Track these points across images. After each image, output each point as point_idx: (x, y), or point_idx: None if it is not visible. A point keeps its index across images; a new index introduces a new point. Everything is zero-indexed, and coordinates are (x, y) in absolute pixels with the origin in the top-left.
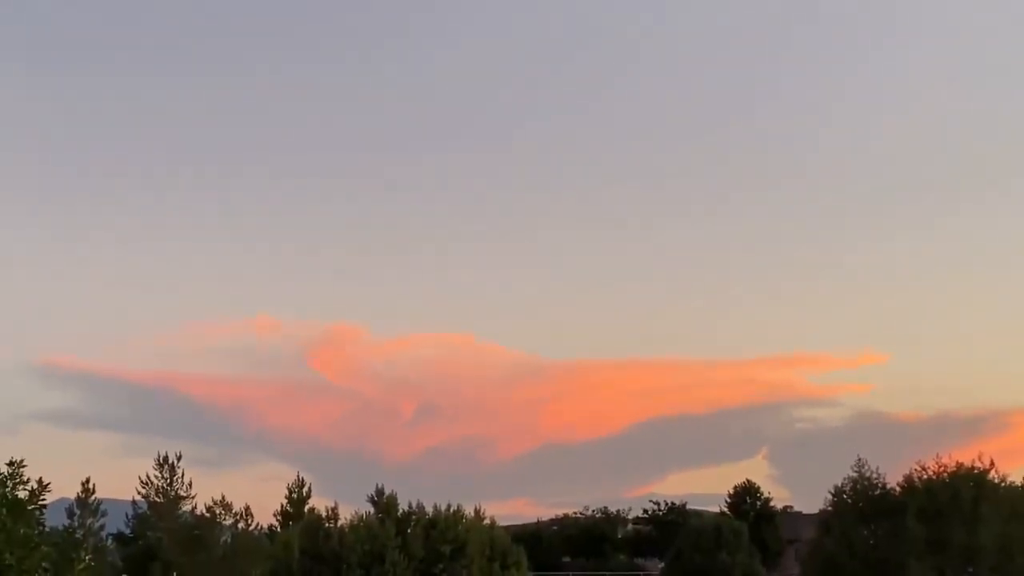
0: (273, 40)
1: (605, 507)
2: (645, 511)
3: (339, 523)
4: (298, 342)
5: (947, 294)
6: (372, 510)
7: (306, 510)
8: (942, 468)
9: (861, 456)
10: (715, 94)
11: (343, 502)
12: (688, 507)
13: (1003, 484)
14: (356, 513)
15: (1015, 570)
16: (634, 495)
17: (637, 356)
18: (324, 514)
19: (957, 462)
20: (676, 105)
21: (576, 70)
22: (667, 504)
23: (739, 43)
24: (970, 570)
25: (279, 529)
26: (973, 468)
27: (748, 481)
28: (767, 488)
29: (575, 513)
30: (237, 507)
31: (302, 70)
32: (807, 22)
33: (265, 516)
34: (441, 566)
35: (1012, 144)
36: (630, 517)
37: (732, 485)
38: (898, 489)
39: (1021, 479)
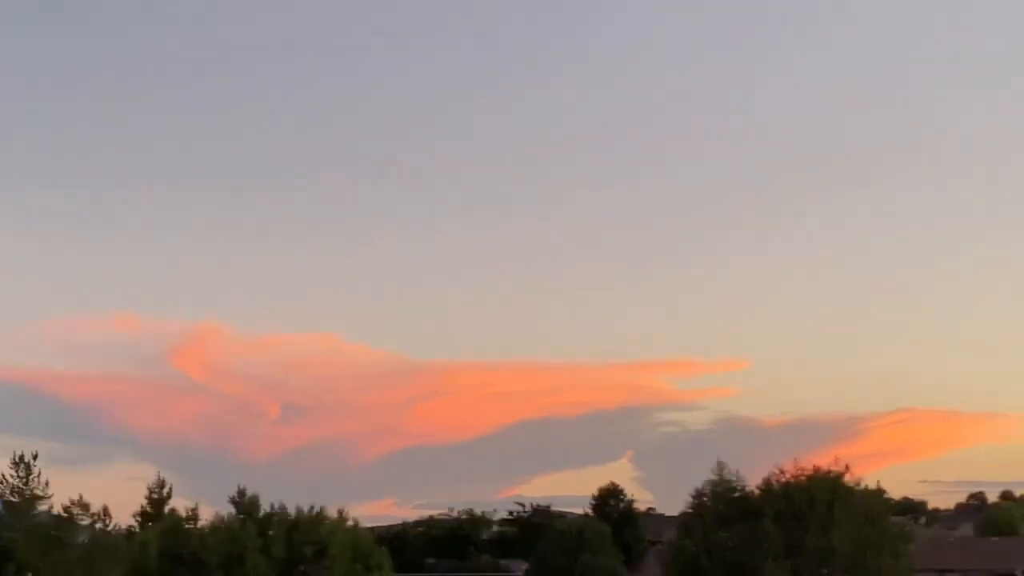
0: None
1: (471, 509)
2: (510, 513)
3: (199, 524)
4: (161, 340)
5: (809, 301)
6: (234, 511)
7: (166, 511)
8: (800, 471)
9: (721, 459)
10: (594, 94)
11: (205, 503)
12: (553, 509)
13: (858, 488)
14: (217, 514)
15: (866, 572)
16: (500, 497)
17: (505, 358)
18: (184, 515)
19: (814, 466)
20: (541, 101)
21: (444, 64)
22: (532, 506)
23: (596, 38)
24: (824, 572)
25: (138, 530)
26: (829, 472)
27: (612, 483)
28: (631, 491)
29: (440, 514)
30: (96, 507)
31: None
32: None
33: (125, 517)
34: (303, 567)
35: (872, 145)
36: (495, 519)
37: (597, 487)
38: (757, 492)
39: (876, 483)
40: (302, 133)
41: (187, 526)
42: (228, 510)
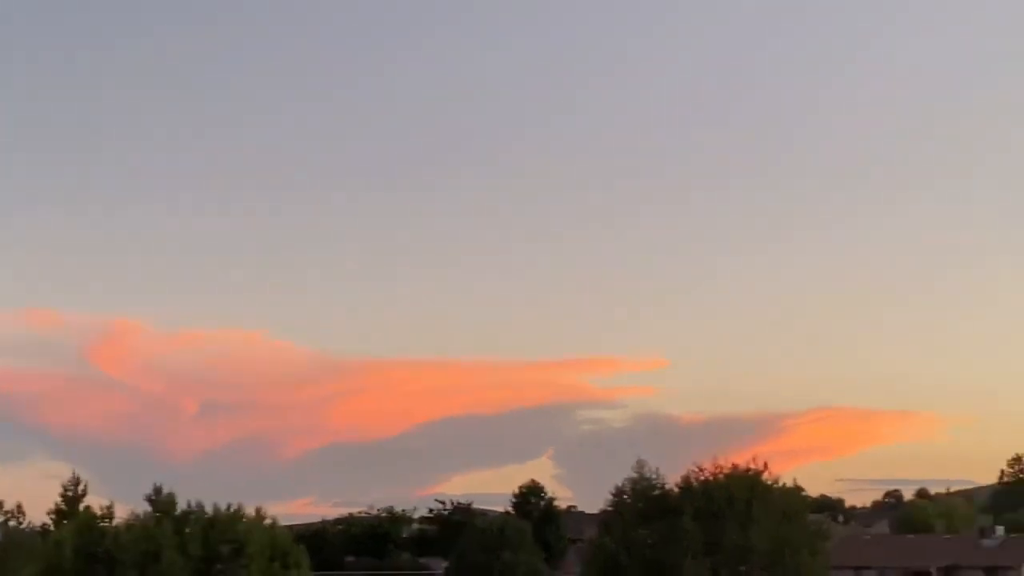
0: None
1: (390, 507)
2: (431, 511)
3: (115, 522)
4: (77, 335)
5: (727, 301)
6: (150, 509)
7: (81, 509)
8: (718, 470)
9: (641, 457)
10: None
11: (121, 501)
12: (474, 507)
13: (776, 486)
14: (133, 512)
15: (784, 570)
16: (421, 495)
17: (427, 356)
18: (100, 513)
19: (732, 464)
20: (485, 99)
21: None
22: (453, 504)
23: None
24: (743, 569)
25: (53, 528)
26: (747, 470)
27: (533, 481)
28: (552, 488)
29: (360, 512)
30: (9, 505)
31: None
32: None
33: (39, 514)
34: (220, 566)
35: (774, 144)
36: (416, 517)
37: (518, 485)
38: (676, 490)
39: (793, 481)
40: (226, 130)
41: (102, 524)
42: (144, 508)
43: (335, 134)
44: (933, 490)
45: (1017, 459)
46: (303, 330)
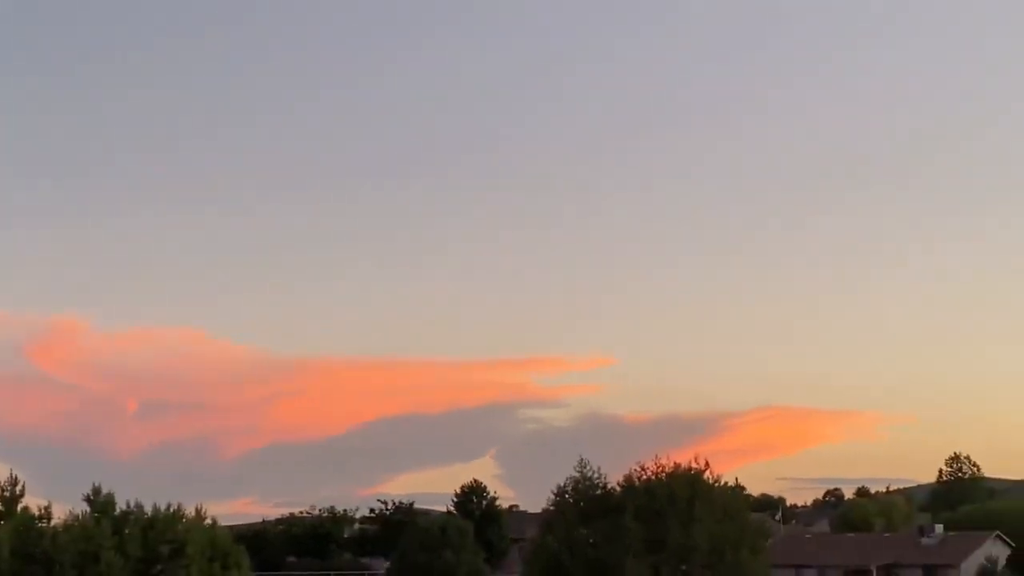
0: None
1: (332, 507)
2: (372, 511)
3: (53, 522)
4: (15, 333)
5: (675, 301)
6: (88, 509)
7: (18, 509)
8: (660, 468)
9: (583, 456)
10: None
11: (59, 501)
12: (416, 506)
13: (717, 484)
14: (71, 512)
15: (725, 568)
16: (363, 495)
17: (368, 355)
18: (37, 513)
19: (675, 463)
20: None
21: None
22: (395, 503)
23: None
24: (684, 568)
25: None
26: (689, 469)
27: (475, 481)
28: (494, 488)
29: (301, 512)
30: None
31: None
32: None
33: None
34: (160, 566)
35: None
36: (358, 516)
37: (460, 485)
38: (618, 489)
39: (735, 479)
40: (170, 130)
41: (40, 524)
42: (83, 508)
43: (281, 132)
44: (873, 489)
45: (955, 458)
46: (241, 327)
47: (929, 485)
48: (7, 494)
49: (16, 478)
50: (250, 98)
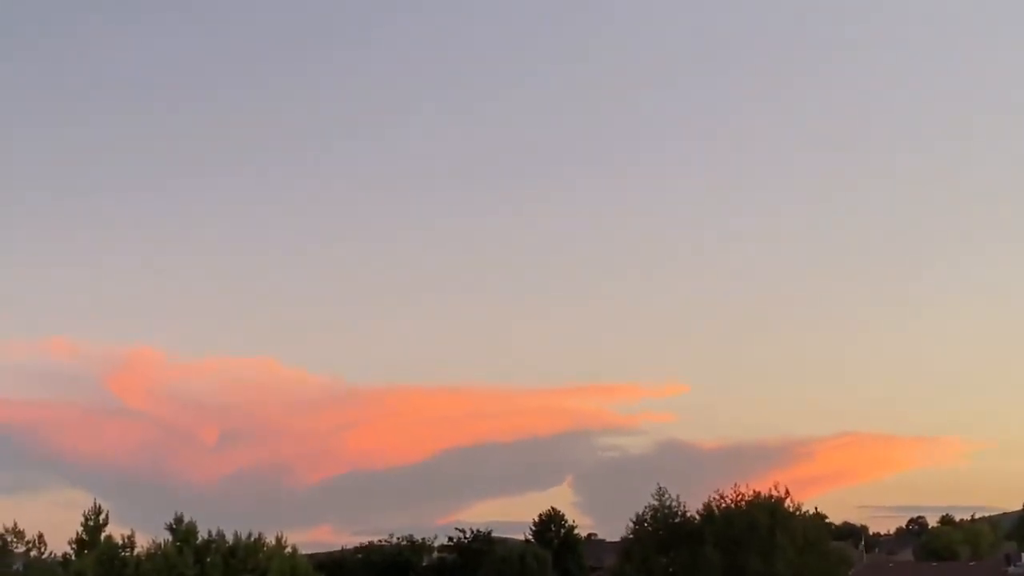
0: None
1: (410, 535)
2: (450, 539)
3: (136, 551)
4: (95, 364)
5: (747, 325)
6: (170, 538)
7: (102, 538)
8: (739, 497)
9: (661, 484)
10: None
11: (141, 530)
12: (494, 535)
13: (798, 513)
14: (154, 541)
15: None
16: (440, 523)
17: (444, 383)
18: (120, 542)
19: (754, 491)
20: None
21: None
22: (473, 532)
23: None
24: None
25: (74, 557)
26: (770, 497)
27: (553, 509)
28: (571, 516)
29: (380, 541)
30: (30, 535)
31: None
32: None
33: (60, 544)
34: None
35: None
36: (436, 545)
37: (537, 513)
38: (697, 517)
39: (815, 508)
40: (240, 155)
41: (123, 553)
42: (165, 537)
43: (359, 157)
44: (957, 516)
45: None
46: (315, 357)
47: (1016, 512)
48: (91, 523)
49: (100, 507)
50: (334, 119)
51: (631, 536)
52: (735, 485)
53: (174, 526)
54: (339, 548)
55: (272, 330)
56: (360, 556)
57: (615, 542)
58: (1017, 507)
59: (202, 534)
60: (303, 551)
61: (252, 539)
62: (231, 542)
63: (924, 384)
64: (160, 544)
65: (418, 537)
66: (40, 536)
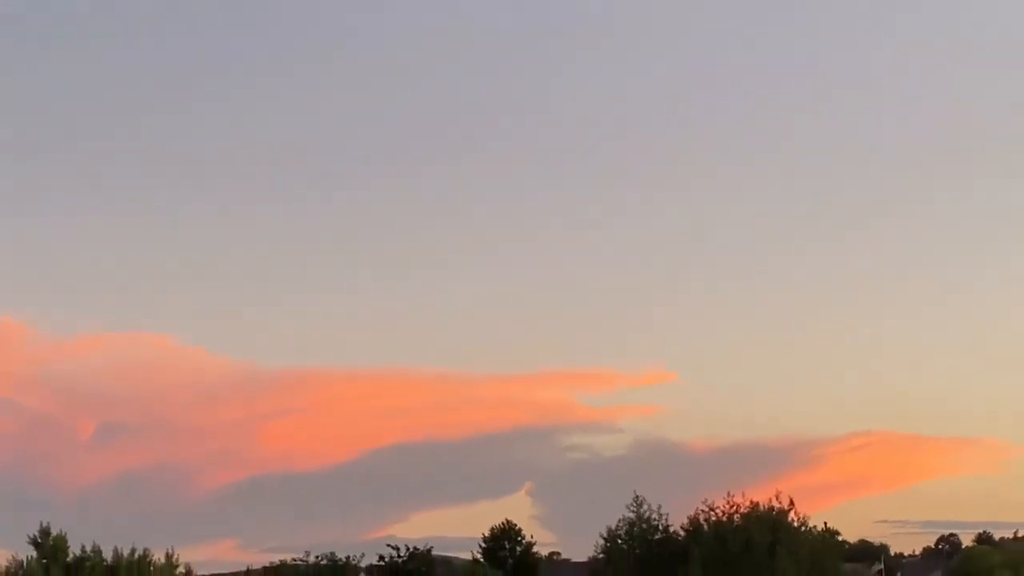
0: None
1: (332, 552)
2: (381, 557)
3: None
4: None
5: (745, 305)
6: (35, 554)
7: None
8: (733, 508)
9: (639, 493)
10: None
11: (0, 545)
12: (434, 553)
13: (804, 529)
14: (14, 558)
15: None
16: (369, 538)
17: (375, 367)
18: None
19: (751, 501)
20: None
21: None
22: (409, 549)
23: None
24: None
25: None
26: (770, 509)
27: (507, 522)
28: (530, 530)
29: (294, 559)
30: None
31: None
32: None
33: None
34: None
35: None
36: (363, 565)
37: (488, 527)
38: (682, 532)
39: (824, 523)
40: (140, 118)
41: None
42: (28, 552)
43: (272, 125)
44: (997, 534)
45: None
46: (218, 335)
47: None
48: None
49: None
50: (238, 89)
51: (602, 556)
52: (728, 494)
53: (39, 540)
54: (244, 568)
55: (166, 300)
56: None
57: (582, 563)
58: None
59: (74, 549)
60: (200, 571)
61: (136, 556)
62: (110, 560)
63: (959, 374)
64: (22, 562)
65: (341, 555)
66: None
